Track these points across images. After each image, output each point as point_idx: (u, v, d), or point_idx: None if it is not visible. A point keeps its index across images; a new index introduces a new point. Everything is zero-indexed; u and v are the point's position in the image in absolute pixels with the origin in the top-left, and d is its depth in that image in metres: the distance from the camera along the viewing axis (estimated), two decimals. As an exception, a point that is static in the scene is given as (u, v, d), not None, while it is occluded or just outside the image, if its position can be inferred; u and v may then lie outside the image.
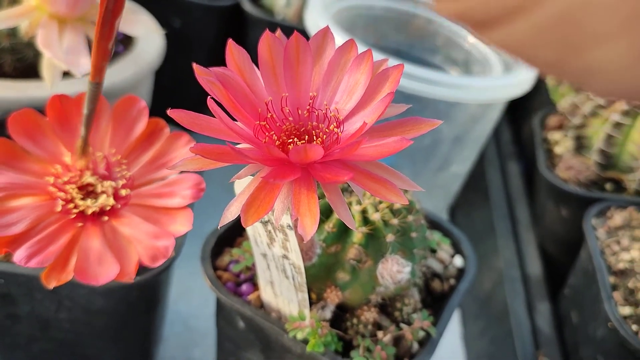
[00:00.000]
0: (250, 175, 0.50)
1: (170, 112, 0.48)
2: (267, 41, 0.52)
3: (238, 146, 0.50)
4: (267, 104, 0.51)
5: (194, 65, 0.50)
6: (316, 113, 0.52)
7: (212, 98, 0.47)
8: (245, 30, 1.20)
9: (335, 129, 0.50)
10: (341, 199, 0.49)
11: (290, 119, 0.52)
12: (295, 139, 0.50)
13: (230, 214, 0.49)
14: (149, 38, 1.04)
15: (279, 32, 0.54)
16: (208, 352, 0.98)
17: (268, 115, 0.51)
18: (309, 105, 0.52)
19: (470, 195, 1.22)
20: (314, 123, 0.52)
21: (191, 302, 1.05)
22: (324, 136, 0.51)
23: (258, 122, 0.50)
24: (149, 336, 0.84)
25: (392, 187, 0.48)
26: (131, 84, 0.96)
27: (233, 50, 0.51)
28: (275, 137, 0.50)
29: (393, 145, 0.47)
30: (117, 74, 0.93)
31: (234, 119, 0.50)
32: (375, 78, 0.51)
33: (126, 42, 1.02)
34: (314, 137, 0.50)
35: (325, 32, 0.54)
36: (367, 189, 0.47)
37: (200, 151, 0.46)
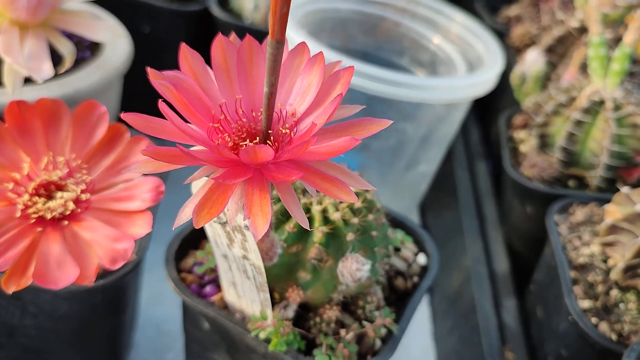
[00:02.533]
0: (205, 176, 0.51)
1: (123, 115, 0.48)
2: (220, 45, 0.53)
3: (192, 148, 0.51)
4: (220, 106, 0.52)
5: (148, 70, 0.51)
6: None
7: (165, 101, 0.48)
8: (214, 34, 1.21)
9: (287, 130, 0.51)
10: (294, 199, 0.50)
11: (245, 120, 0.53)
12: (248, 141, 0.51)
13: (184, 215, 0.49)
14: (116, 43, 1.04)
15: (232, 35, 0.55)
16: (180, 356, 0.98)
17: (221, 117, 0.51)
18: (263, 107, 0.53)
19: (439, 195, 1.24)
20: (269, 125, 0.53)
21: (163, 306, 1.05)
22: (277, 137, 0.51)
23: (212, 124, 0.51)
24: (117, 341, 0.85)
25: (342, 185, 0.49)
26: (98, 89, 0.96)
27: (187, 53, 0.52)
28: (229, 139, 0.51)
29: (342, 145, 0.48)
30: (83, 79, 0.93)
31: (189, 122, 0.50)
32: (328, 80, 0.52)
33: (93, 48, 1.03)
34: (267, 138, 0.51)
35: (278, 35, 0.54)
36: (318, 188, 0.48)
37: (152, 154, 0.46)
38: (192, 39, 1.26)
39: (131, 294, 0.81)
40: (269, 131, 0.50)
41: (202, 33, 1.24)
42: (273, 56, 0.47)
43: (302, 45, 0.54)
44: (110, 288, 0.71)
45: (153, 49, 1.17)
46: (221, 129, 0.51)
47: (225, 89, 0.53)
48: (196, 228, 0.47)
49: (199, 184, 0.55)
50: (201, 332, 0.73)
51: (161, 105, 0.47)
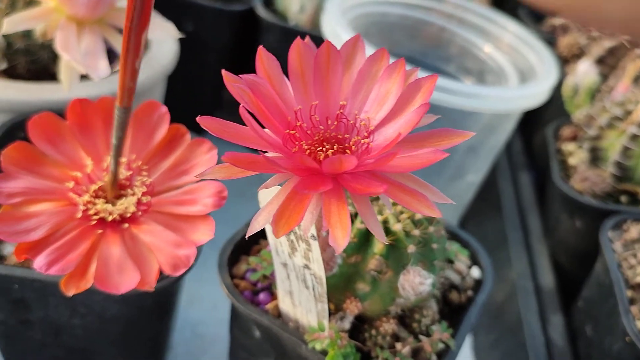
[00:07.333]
0: (278, 185, 0.50)
1: (199, 119, 0.47)
2: (297, 49, 0.51)
3: (266, 155, 0.49)
4: (296, 113, 0.50)
5: (223, 72, 0.49)
6: (345, 122, 0.52)
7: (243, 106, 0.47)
8: (258, 35, 1.20)
9: (365, 140, 0.49)
10: (371, 211, 0.48)
11: (321, 127, 0.51)
12: (325, 149, 0.49)
13: (258, 224, 0.48)
14: (163, 42, 1.03)
15: (307, 39, 0.54)
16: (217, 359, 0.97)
17: (297, 124, 0.50)
18: (339, 114, 0.51)
19: (481, 206, 1.21)
20: (343, 132, 0.51)
21: (200, 308, 1.04)
22: (354, 146, 0.50)
23: (287, 130, 0.49)
24: (160, 343, 0.84)
25: (424, 199, 0.47)
26: (144, 88, 0.95)
27: (263, 57, 0.51)
28: (306, 146, 0.49)
29: (427, 157, 0.46)
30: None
31: (262, 127, 0.49)
32: (407, 88, 0.51)
33: (139, 45, 1.02)
34: (345, 146, 0.50)
35: (356, 41, 0.53)
36: (399, 201, 0.47)
37: (231, 160, 0.45)
38: (236, 39, 1.24)
39: (177, 297, 0.80)
40: (352, 138, 0.49)
41: (246, 33, 1.22)
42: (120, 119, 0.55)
43: (382, 51, 0.52)
44: (161, 292, 0.70)
45: (196, 48, 1.16)
46: (297, 135, 0.50)
47: (300, 95, 0.52)
48: (277, 238, 0.45)
49: (266, 193, 0.54)
50: (250, 339, 0.72)
51: (242, 111, 0.45)
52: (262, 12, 1.17)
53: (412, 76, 0.52)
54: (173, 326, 0.88)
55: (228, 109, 1.32)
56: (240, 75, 0.49)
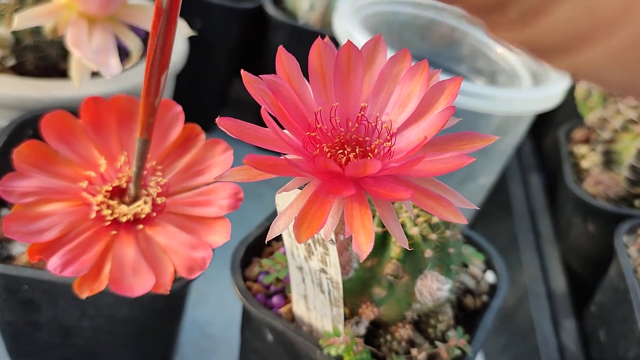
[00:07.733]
0: (297, 188, 0.48)
1: (218, 120, 0.46)
2: (318, 49, 0.50)
3: (286, 157, 0.48)
4: (316, 114, 0.49)
5: (243, 72, 0.48)
6: (365, 124, 0.50)
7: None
8: (267, 33, 1.18)
9: (387, 143, 0.48)
10: (394, 215, 0.47)
11: (341, 130, 0.50)
12: (347, 152, 0.48)
13: (278, 228, 0.47)
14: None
15: (327, 39, 0.53)
16: (225, 360, 0.96)
17: (317, 126, 0.49)
18: (359, 116, 0.50)
19: (491, 208, 1.20)
20: (364, 135, 0.50)
21: (207, 309, 1.03)
22: (376, 149, 0.49)
23: (308, 132, 0.48)
24: (169, 345, 0.83)
25: (449, 205, 0.46)
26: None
27: (283, 57, 0.49)
28: (326, 149, 0.48)
29: (452, 162, 0.45)
30: (139, 75, 0.91)
31: (284, 129, 0.48)
32: (430, 90, 0.50)
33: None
34: (366, 149, 0.49)
35: (377, 41, 0.52)
36: (423, 207, 0.46)
37: (252, 162, 0.44)
38: (244, 36, 1.23)
39: (187, 298, 0.79)
40: (373, 141, 0.48)
41: (254, 31, 1.21)
42: (140, 150, 0.56)
43: (404, 52, 0.51)
44: (173, 294, 0.68)
45: (204, 45, 1.15)
46: (318, 138, 0.48)
47: (320, 96, 0.51)
48: (299, 243, 0.44)
49: (284, 197, 0.53)
50: (263, 343, 0.71)
51: (263, 112, 0.44)
52: (271, 10, 1.16)
53: (433, 78, 0.51)
54: (181, 327, 0.87)
55: (234, 107, 1.31)
56: (260, 76, 0.48)
